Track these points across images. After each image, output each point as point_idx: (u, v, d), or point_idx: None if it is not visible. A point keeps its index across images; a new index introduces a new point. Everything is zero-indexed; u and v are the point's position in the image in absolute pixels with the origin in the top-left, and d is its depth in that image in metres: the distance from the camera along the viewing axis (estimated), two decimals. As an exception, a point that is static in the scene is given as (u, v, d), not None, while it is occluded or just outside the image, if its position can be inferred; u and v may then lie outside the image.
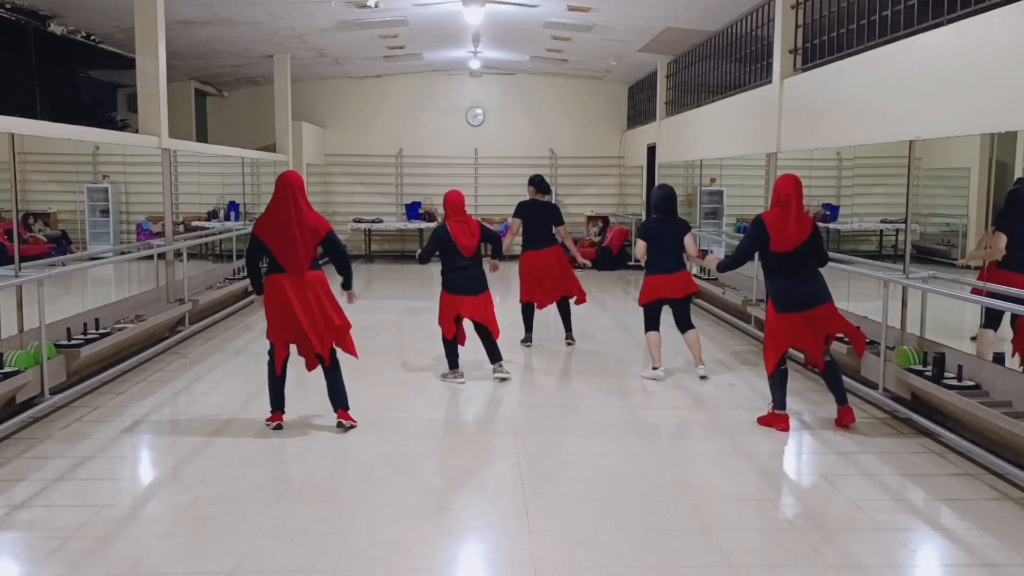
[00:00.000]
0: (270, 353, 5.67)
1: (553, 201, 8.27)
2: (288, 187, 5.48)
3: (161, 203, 9.34)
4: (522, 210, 8.24)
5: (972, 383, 5.42)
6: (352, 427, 5.67)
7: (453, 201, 6.93)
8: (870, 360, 6.44)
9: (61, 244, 11.83)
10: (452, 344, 7.05)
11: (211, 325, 9.54)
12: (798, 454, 5.54)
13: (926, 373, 5.71)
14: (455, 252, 6.83)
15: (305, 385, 7.26)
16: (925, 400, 5.72)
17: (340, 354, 5.76)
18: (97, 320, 7.11)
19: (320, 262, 5.77)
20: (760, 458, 5.29)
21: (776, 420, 5.83)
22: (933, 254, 10.01)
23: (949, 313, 7.16)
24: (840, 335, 6.10)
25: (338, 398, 5.70)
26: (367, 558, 3.83)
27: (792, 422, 6.07)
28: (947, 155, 9.26)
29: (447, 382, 7.07)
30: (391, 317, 9.31)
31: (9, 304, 6.20)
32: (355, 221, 16.81)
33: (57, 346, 6.38)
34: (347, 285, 6.00)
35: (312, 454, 5.33)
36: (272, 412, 5.72)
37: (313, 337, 5.49)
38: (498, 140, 17.33)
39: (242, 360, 8.00)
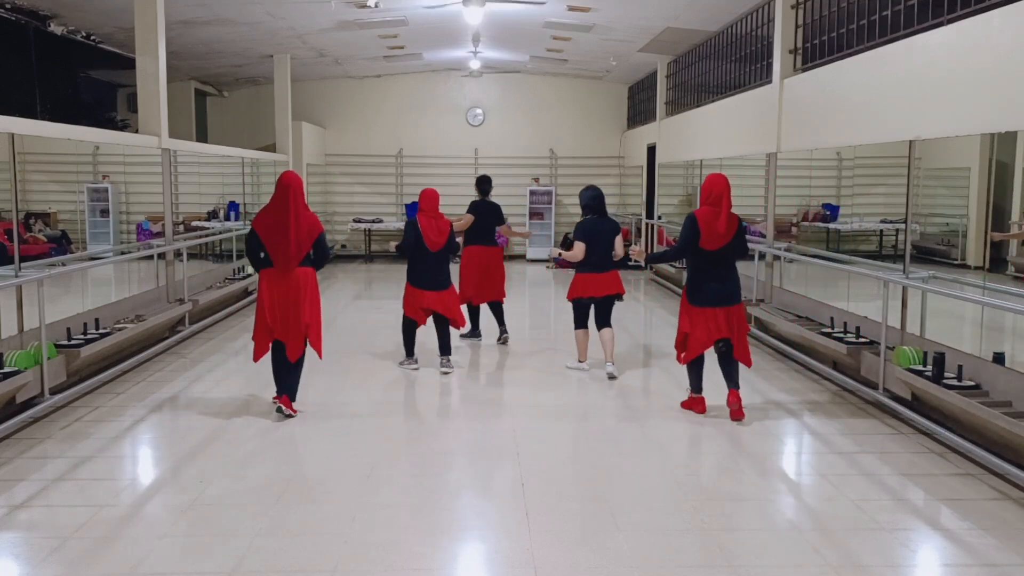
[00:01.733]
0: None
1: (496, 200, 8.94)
2: (289, 188, 5.77)
3: (161, 203, 9.34)
4: (475, 208, 8.56)
5: (972, 383, 5.42)
6: (290, 416, 5.91)
7: (428, 197, 7.38)
8: (870, 360, 6.44)
9: (61, 244, 11.81)
10: (410, 332, 7.48)
11: (211, 325, 9.54)
12: (798, 454, 5.54)
13: (926, 373, 5.70)
14: (422, 246, 7.21)
15: (304, 386, 7.27)
16: (925, 400, 5.72)
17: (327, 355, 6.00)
18: (97, 320, 7.11)
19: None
20: (760, 458, 5.29)
21: (694, 403, 6.13)
22: (933, 254, 10.02)
23: (955, 314, 7.17)
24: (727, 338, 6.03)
25: (289, 386, 5.97)
26: (367, 558, 3.83)
27: (792, 422, 6.09)
28: (947, 155, 9.26)
29: (403, 368, 7.46)
30: (391, 317, 9.29)
31: (9, 304, 6.19)
32: (355, 221, 16.82)
33: (57, 346, 6.38)
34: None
35: (312, 454, 5.33)
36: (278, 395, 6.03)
37: (288, 332, 5.82)
38: (498, 140, 17.33)
39: (242, 360, 8.00)
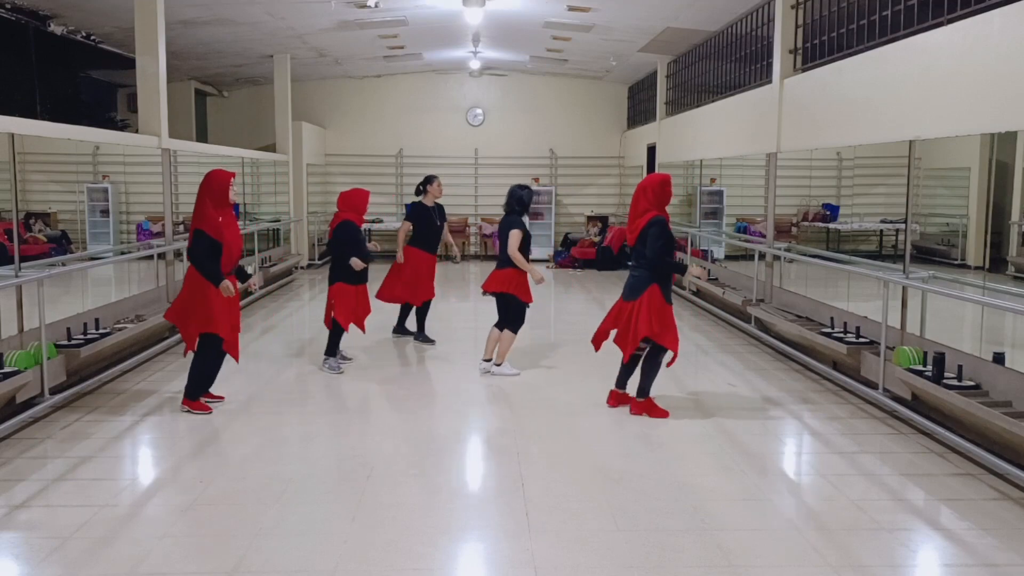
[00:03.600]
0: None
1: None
2: (202, 183, 5.84)
3: (161, 203, 9.34)
4: (411, 214, 8.42)
5: (972, 383, 5.42)
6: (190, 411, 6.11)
7: (354, 199, 7.32)
8: (870, 360, 6.44)
9: (61, 244, 11.82)
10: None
11: (211, 325, 9.53)
12: (798, 454, 5.54)
13: (926, 373, 5.71)
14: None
15: (303, 386, 7.27)
16: (925, 400, 5.72)
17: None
18: (97, 320, 7.11)
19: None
20: (760, 458, 5.29)
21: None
22: (933, 254, 10.03)
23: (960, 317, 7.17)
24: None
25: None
26: (367, 558, 3.83)
27: (792, 422, 6.09)
28: (947, 155, 9.27)
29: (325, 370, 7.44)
30: (391, 318, 9.35)
31: (9, 304, 6.19)
32: (355, 221, 16.81)
33: (57, 346, 6.38)
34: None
35: (312, 454, 5.33)
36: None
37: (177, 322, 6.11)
38: (498, 140, 17.33)
39: (242, 360, 7.97)
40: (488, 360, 7.31)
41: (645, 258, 5.88)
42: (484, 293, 7.19)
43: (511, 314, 7.14)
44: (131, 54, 9.39)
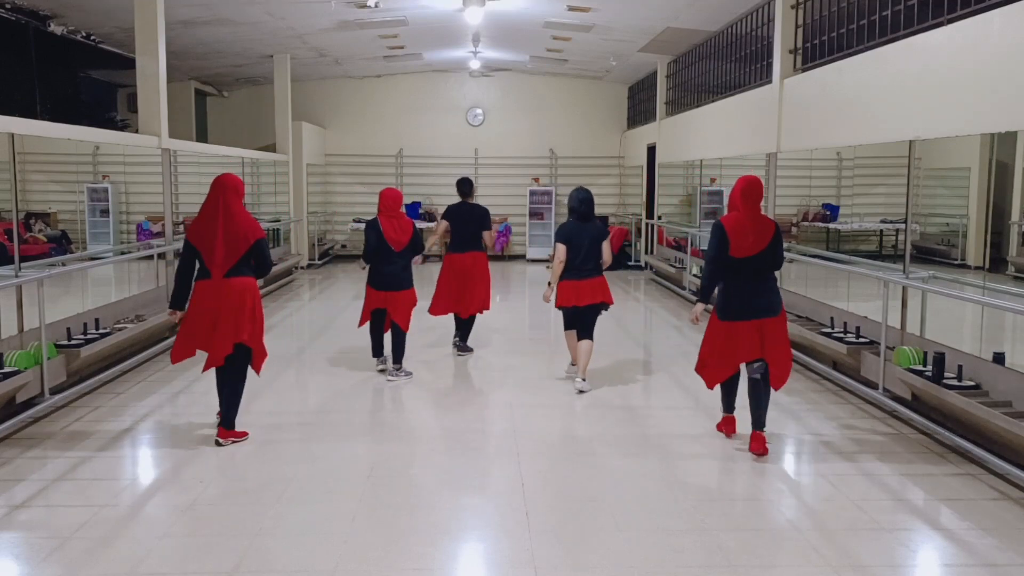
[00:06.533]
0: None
1: (478, 201, 8.16)
2: (219, 188, 5.30)
3: (161, 203, 9.34)
4: (449, 213, 8.09)
5: (972, 383, 5.42)
6: (234, 442, 5.38)
7: (387, 198, 7.13)
8: (870, 360, 6.44)
9: (61, 244, 11.83)
10: (373, 333, 7.38)
11: (211, 325, 9.52)
12: (798, 454, 5.54)
13: (926, 373, 5.71)
14: (385, 247, 7.00)
15: (304, 387, 7.28)
16: (925, 400, 5.72)
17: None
18: (97, 320, 7.11)
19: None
20: (760, 458, 5.29)
21: (724, 424, 5.69)
22: (933, 254, 10.03)
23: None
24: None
25: (226, 409, 5.43)
26: (367, 558, 3.83)
27: (792, 422, 6.09)
28: (947, 155, 9.28)
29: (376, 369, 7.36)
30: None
31: (9, 304, 6.20)
32: (355, 221, 16.79)
33: (57, 346, 6.38)
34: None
35: (312, 454, 5.32)
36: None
37: (212, 343, 5.26)
38: (498, 140, 17.33)
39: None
40: (584, 379, 6.83)
41: (775, 268, 5.26)
42: (606, 307, 6.88)
43: (578, 320, 6.84)
44: (131, 54, 9.39)
